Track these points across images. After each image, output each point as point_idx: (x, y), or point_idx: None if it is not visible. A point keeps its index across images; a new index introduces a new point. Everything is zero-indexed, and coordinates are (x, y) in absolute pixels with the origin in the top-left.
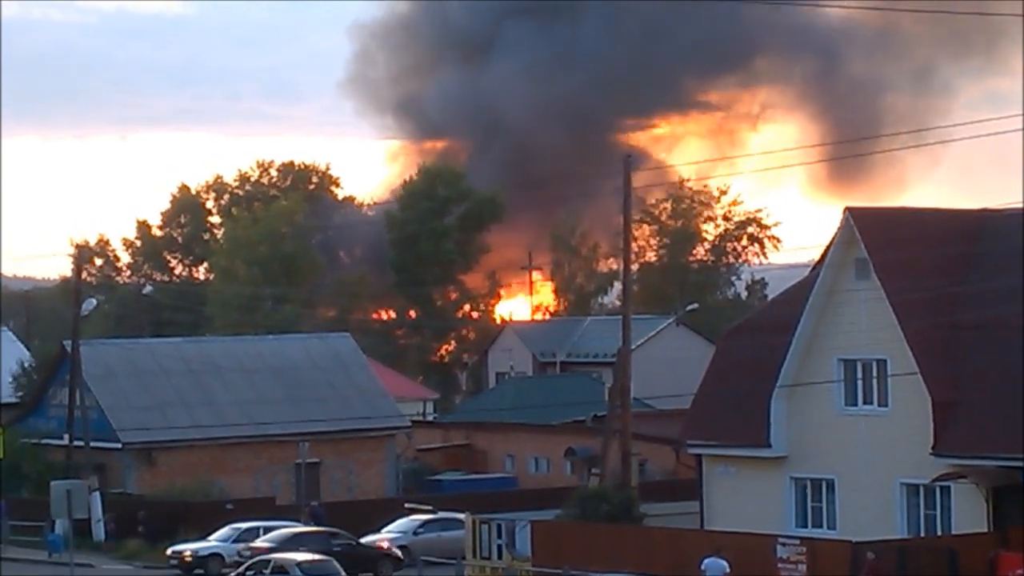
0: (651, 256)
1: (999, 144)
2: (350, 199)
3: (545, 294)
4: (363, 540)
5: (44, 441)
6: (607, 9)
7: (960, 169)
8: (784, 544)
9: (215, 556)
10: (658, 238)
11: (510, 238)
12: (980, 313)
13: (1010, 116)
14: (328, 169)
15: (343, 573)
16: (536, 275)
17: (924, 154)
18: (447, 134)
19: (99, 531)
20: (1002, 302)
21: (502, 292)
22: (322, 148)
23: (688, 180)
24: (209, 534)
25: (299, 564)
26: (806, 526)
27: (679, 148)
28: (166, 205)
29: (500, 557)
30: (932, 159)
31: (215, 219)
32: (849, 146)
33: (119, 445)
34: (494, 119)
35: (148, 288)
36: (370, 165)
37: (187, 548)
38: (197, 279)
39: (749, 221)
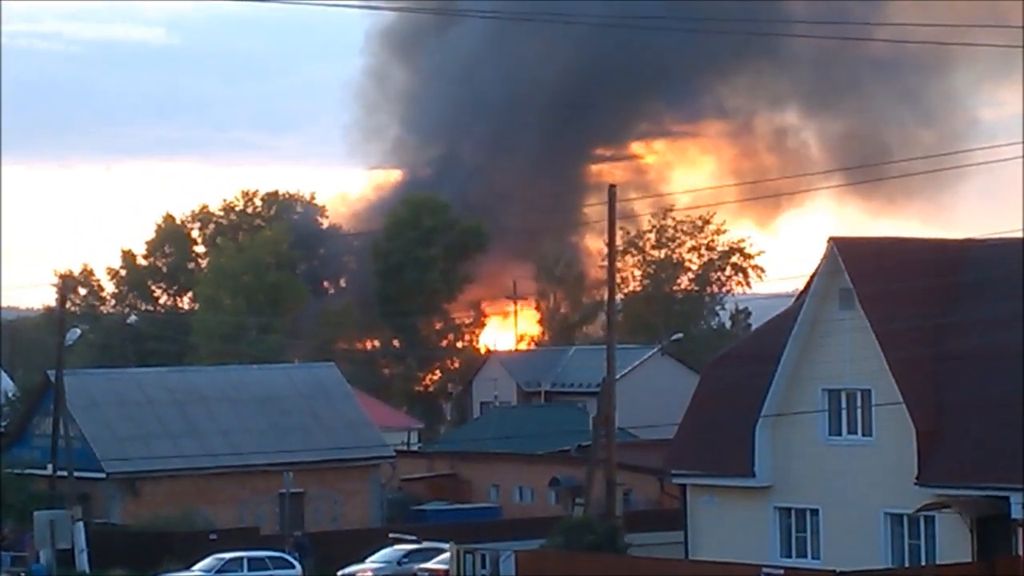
0: (635, 286)
1: (979, 174)
2: (335, 228)
3: (530, 320)
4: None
5: (28, 471)
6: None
7: (938, 198)
8: (768, 574)
9: None
10: (642, 268)
11: (495, 267)
12: (964, 343)
13: (994, 146)
14: (313, 199)
15: None
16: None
17: (908, 184)
18: (431, 161)
19: (82, 561)
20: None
21: (486, 321)
22: (307, 178)
23: (672, 209)
24: (193, 564)
25: None
26: (790, 556)
27: (663, 175)
28: (151, 235)
29: None
30: (915, 189)
31: (200, 249)
32: (838, 175)
33: (103, 475)
34: (474, 145)
35: (132, 318)
36: (356, 195)
37: None
38: (182, 309)
39: (733, 251)
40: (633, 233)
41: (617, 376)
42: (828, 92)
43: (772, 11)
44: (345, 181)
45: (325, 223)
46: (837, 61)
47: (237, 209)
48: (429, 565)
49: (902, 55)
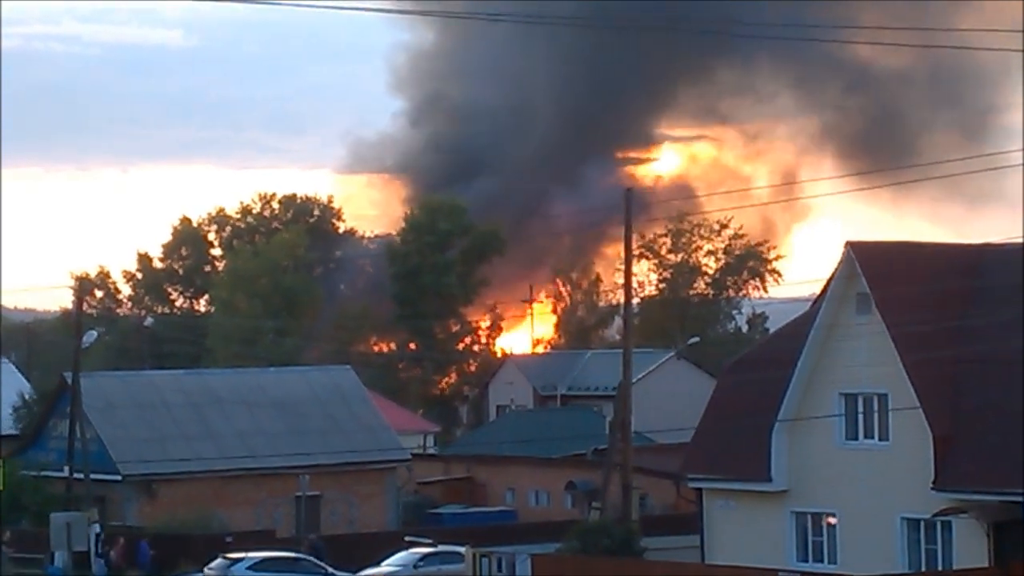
0: (651, 290)
1: (994, 178)
2: (352, 231)
3: (546, 320)
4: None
5: (44, 473)
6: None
7: (956, 203)
8: None
9: None
10: (659, 272)
11: (512, 271)
12: (981, 348)
13: (1001, 152)
14: (330, 202)
15: None
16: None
17: (922, 189)
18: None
19: (99, 563)
20: (1003, 337)
21: (503, 325)
22: (325, 180)
23: (688, 214)
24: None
25: None
26: (807, 560)
27: (680, 179)
28: (167, 237)
29: None
30: (928, 194)
31: (216, 251)
32: (849, 180)
33: (119, 477)
34: (492, 146)
35: (149, 320)
36: (372, 198)
37: None
38: (198, 311)
39: (750, 255)
40: (649, 237)
41: (633, 380)
42: (841, 96)
43: (789, 16)
44: (362, 184)
45: (342, 226)
46: (848, 65)
47: (254, 212)
48: None
49: (913, 59)
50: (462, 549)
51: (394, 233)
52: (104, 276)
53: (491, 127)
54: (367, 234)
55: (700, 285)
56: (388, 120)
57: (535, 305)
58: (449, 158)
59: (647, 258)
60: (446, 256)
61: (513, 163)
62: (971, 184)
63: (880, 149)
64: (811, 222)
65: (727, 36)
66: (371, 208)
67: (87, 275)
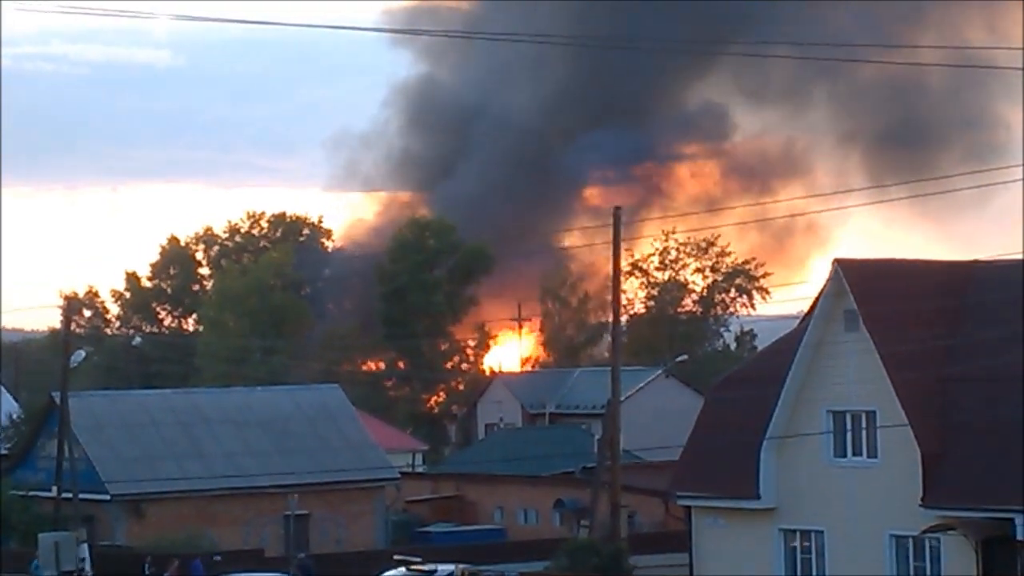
0: (640, 308)
1: (987, 195)
2: (340, 249)
3: (532, 341)
4: None
5: (32, 493)
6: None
7: (947, 219)
8: None
9: None
10: (646, 290)
11: (500, 289)
12: (970, 365)
13: (998, 168)
14: (320, 221)
15: None
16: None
17: (916, 205)
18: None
19: None
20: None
21: (491, 344)
22: (314, 200)
23: (674, 231)
24: None
25: None
26: None
27: (669, 197)
28: (155, 257)
29: None
30: (921, 211)
31: (205, 271)
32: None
33: (108, 497)
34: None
35: (137, 340)
36: (360, 217)
37: None
38: (186, 331)
39: (737, 273)
40: (637, 256)
41: (622, 398)
42: (837, 112)
43: (781, 33)
44: (350, 203)
45: (330, 245)
46: (846, 83)
47: (242, 231)
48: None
49: (913, 76)
50: (451, 567)
51: (381, 251)
52: (92, 295)
53: (481, 139)
54: (356, 252)
55: (688, 303)
56: (378, 134)
57: (524, 324)
58: (437, 170)
59: (635, 276)
60: (434, 275)
61: (504, 173)
62: (964, 201)
63: (871, 163)
64: (833, 244)
65: (722, 54)
66: (359, 225)
67: (75, 294)
